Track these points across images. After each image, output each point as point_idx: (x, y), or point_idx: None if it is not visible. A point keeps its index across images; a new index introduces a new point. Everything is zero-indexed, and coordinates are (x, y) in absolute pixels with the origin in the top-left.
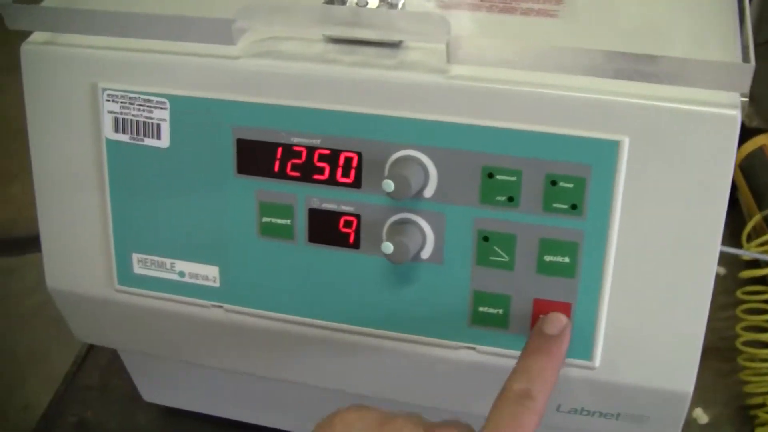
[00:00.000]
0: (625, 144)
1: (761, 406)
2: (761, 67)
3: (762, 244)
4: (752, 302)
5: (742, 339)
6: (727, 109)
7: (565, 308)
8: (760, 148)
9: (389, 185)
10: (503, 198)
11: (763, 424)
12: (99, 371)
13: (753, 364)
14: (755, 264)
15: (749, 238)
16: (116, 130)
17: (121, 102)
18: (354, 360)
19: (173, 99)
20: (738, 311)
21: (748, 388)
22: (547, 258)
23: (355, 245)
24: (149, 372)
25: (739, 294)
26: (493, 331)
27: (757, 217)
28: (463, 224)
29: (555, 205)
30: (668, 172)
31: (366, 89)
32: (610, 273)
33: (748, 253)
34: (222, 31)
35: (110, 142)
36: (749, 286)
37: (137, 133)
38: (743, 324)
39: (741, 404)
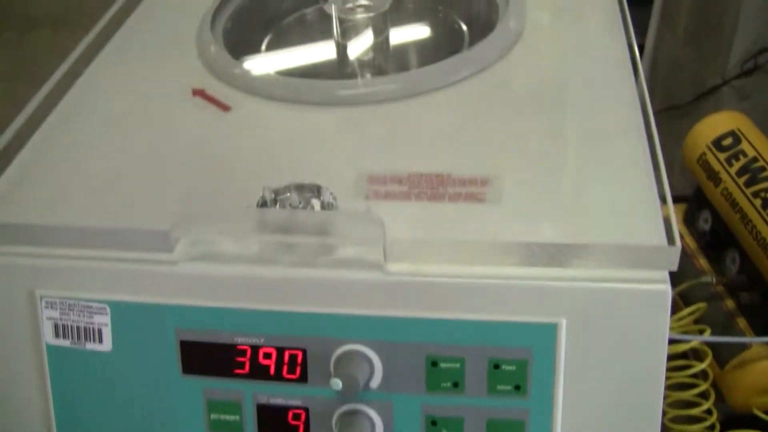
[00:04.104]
0: (563, 326)
1: None
2: None
3: (679, 320)
4: (677, 377)
5: (669, 416)
6: (657, 284)
7: None
8: None
9: (337, 384)
10: (448, 384)
11: None
12: None
13: None
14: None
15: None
16: (56, 336)
17: (60, 308)
18: None
19: (113, 304)
20: None
21: None
22: None
23: None
24: None
25: None
26: None
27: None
28: (411, 411)
29: (499, 387)
30: (606, 348)
31: (305, 288)
32: None
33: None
34: (158, 241)
35: (51, 348)
36: (672, 361)
37: (78, 338)
38: (669, 400)
39: None
